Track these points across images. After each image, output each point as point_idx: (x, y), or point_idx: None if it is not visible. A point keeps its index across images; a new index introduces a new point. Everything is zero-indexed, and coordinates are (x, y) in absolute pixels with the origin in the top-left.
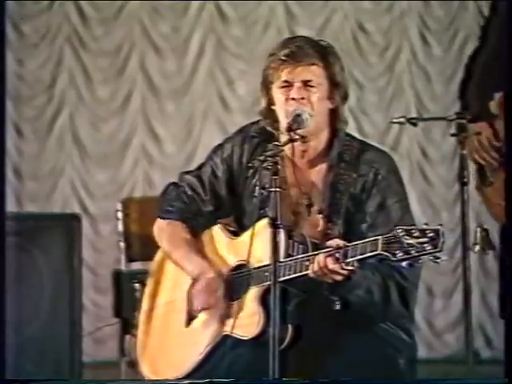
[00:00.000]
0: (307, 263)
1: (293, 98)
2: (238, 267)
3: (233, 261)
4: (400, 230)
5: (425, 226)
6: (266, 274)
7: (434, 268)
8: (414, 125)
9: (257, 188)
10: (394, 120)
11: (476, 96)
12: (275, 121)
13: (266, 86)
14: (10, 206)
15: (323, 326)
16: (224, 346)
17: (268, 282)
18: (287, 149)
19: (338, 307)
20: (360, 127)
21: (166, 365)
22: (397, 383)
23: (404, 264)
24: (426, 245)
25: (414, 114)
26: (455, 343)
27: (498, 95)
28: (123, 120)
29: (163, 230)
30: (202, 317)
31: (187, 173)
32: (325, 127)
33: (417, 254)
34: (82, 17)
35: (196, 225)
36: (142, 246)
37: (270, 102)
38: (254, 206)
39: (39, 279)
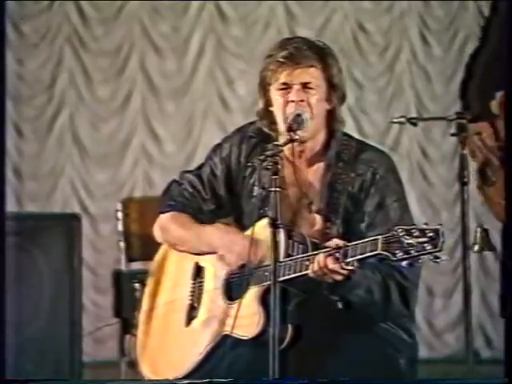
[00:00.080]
0: (307, 263)
1: (292, 101)
2: (238, 267)
3: None
4: (400, 230)
5: (425, 226)
6: (266, 273)
7: (434, 268)
8: (414, 125)
9: (255, 188)
10: (394, 120)
11: (477, 96)
12: (272, 122)
13: (264, 87)
14: (10, 206)
15: (323, 325)
16: (224, 345)
17: (268, 282)
18: (286, 149)
19: (338, 307)
20: (360, 127)
21: (165, 365)
22: (397, 383)
23: (404, 264)
24: (425, 244)
25: (414, 114)
26: (455, 343)
27: (499, 94)
28: (123, 120)
29: (168, 222)
30: (202, 316)
31: (188, 172)
32: (322, 128)
33: (417, 254)
34: (82, 17)
35: (198, 221)
36: (142, 246)
37: (268, 104)
38: (252, 205)
39: (39, 279)
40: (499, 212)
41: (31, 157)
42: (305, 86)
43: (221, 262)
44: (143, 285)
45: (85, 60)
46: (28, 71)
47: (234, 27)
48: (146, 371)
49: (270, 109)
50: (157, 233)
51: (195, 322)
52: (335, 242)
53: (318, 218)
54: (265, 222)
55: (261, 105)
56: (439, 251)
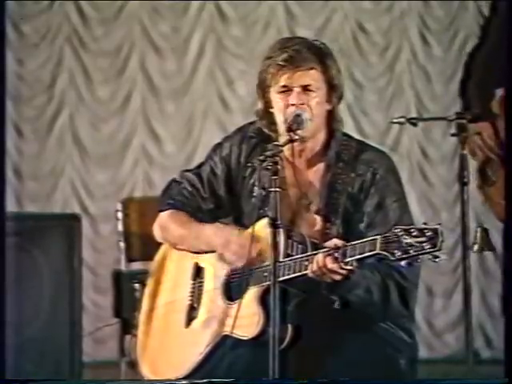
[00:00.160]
0: (306, 263)
1: (292, 104)
2: (238, 267)
3: None
4: (399, 230)
5: (423, 226)
6: (266, 274)
7: (434, 268)
8: (414, 125)
9: (255, 188)
10: (394, 120)
11: (477, 94)
12: (272, 123)
13: (263, 89)
14: (10, 206)
15: (323, 325)
16: (224, 346)
17: (267, 282)
18: (286, 149)
19: (337, 306)
20: (360, 127)
21: (166, 365)
22: (397, 383)
23: (403, 263)
24: (424, 244)
25: (414, 114)
26: (455, 343)
27: (498, 93)
28: (123, 120)
29: (167, 221)
30: (201, 317)
31: (187, 171)
32: (322, 128)
33: (415, 253)
34: (82, 17)
35: (197, 219)
36: (142, 246)
37: (267, 105)
38: (252, 205)
39: (39, 279)
40: (499, 212)
41: (31, 157)
42: (305, 88)
43: (221, 261)
44: (143, 285)
45: (85, 60)
46: (28, 71)
47: (234, 27)
48: (147, 371)
49: (270, 110)
50: (156, 232)
51: (195, 323)
52: (334, 241)
53: (318, 219)
54: (265, 222)
55: (260, 106)
56: (438, 250)
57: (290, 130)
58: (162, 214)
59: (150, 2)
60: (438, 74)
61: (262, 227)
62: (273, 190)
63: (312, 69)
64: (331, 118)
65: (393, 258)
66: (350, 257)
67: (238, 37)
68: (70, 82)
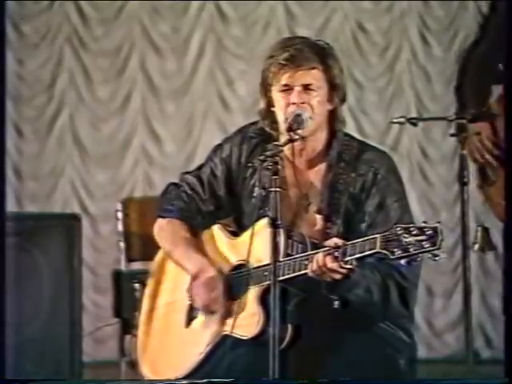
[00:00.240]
0: (306, 262)
1: (293, 103)
2: (238, 267)
3: (232, 261)
4: (398, 229)
5: (423, 224)
6: (266, 273)
7: (434, 268)
8: (414, 125)
9: (255, 188)
10: (394, 120)
11: (472, 91)
12: (274, 122)
13: (265, 87)
14: (10, 206)
15: (323, 325)
16: (224, 345)
17: (267, 282)
18: (287, 149)
19: (337, 306)
20: (360, 127)
21: (166, 365)
22: (397, 383)
23: (402, 262)
24: (424, 242)
25: (414, 114)
26: (455, 343)
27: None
28: (123, 120)
29: (163, 229)
30: (201, 317)
31: (187, 173)
32: (323, 128)
33: (415, 252)
34: (82, 17)
35: (196, 224)
36: (142, 246)
37: (269, 104)
38: (252, 206)
39: (39, 279)
40: (500, 212)
41: (31, 157)
42: (306, 87)
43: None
44: (143, 285)
45: (85, 60)
46: (28, 71)
47: (234, 27)
48: (147, 371)
49: (272, 109)
50: (155, 235)
51: (195, 323)
52: (334, 240)
53: (319, 218)
54: (264, 222)
55: (262, 104)
56: (438, 249)
57: (290, 129)
58: (160, 219)
59: (150, 1)
60: (438, 73)
61: (262, 227)
62: (273, 189)
63: (313, 68)
64: (333, 118)
65: (392, 257)
66: (350, 256)
67: (238, 37)
68: (70, 82)
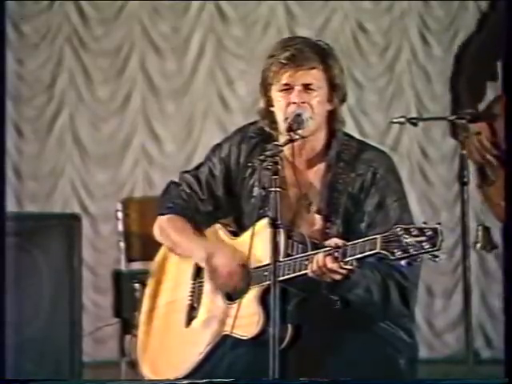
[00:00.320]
0: (306, 263)
1: (293, 102)
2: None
3: None
4: (399, 229)
5: (423, 225)
6: (266, 273)
7: (434, 268)
8: (414, 125)
9: (255, 188)
10: (394, 120)
11: (466, 87)
12: (273, 121)
13: (265, 87)
14: (10, 206)
15: (323, 325)
16: (224, 345)
17: (267, 282)
18: (286, 149)
19: (337, 306)
20: (360, 127)
21: (166, 365)
22: (397, 383)
23: (403, 263)
24: (424, 243)
25: (414, 114)
26: (455, 343)
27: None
28: (123, 120)
29: (165, 225)
30: (202, 317)
31: (186, 172)
32: (323, 128)
33: (415, 253)
34: (82, 17)
35: (196, 222)
36: (142, 246)
37: (269, 103)
38: (252, 206)
39: (39, 279)
40: (499, 212)
41: (31, 157)
42: (306, 87)
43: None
44: (143, 285)
45: (85, 60)
46: (28, 71)
47: (234, 27)
48: (147, 371)
49: (271, 108)
50: (156, 233)
51: (195, 323)
52: (334, 241)
53: (318, 218)
54: (265, 222)
55: (262, 104)
56: (438, 250)
57: (290, 129)
58: (160, 217)
59: (150, 1)
60: (438, 73)
61: (262, 227)
62: (273, 189)
63: (314, 68)
64: (332, 118)
65: (393, 258)
66: (350, 256)
67: (238, 37)
68: (70, 82)
